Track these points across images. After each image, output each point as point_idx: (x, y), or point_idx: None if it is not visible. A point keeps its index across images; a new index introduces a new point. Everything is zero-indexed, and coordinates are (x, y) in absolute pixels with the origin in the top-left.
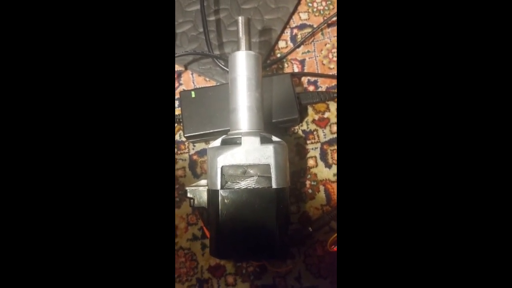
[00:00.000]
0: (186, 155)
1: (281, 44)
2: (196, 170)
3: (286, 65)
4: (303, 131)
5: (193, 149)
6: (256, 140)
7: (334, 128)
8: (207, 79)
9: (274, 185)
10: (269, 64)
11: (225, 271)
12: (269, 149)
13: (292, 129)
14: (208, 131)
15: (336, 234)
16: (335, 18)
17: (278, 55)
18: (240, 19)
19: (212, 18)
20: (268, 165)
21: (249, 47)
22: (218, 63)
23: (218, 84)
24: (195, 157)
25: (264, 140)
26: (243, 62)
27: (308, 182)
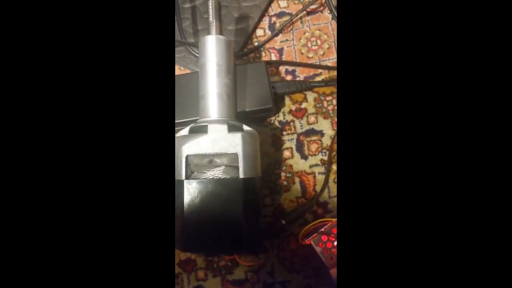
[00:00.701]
0: None
1: (259, 32)
2: None
3: (263, 54)
4: (280, 121)
5: None
6: (223, 128)
7: (311, 118)
8: (182, 68)
9: (241, 175)
10: (246, 53)
11: (195, 266)
12: (237, 138)
13: (269, 120)
14: (179, 121)
15: (308, 226)
16: (314, 6)
17: (256, 44)
18: (210, 2)
19: (187, 5)
20: (235, 154)
21: (220, 31)
22: (191, 51)
23: (191, 72)
24: None
25: (233, 129)
26: (213, 47)
27: (283, 174)
